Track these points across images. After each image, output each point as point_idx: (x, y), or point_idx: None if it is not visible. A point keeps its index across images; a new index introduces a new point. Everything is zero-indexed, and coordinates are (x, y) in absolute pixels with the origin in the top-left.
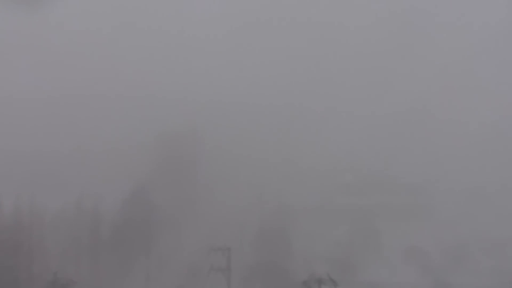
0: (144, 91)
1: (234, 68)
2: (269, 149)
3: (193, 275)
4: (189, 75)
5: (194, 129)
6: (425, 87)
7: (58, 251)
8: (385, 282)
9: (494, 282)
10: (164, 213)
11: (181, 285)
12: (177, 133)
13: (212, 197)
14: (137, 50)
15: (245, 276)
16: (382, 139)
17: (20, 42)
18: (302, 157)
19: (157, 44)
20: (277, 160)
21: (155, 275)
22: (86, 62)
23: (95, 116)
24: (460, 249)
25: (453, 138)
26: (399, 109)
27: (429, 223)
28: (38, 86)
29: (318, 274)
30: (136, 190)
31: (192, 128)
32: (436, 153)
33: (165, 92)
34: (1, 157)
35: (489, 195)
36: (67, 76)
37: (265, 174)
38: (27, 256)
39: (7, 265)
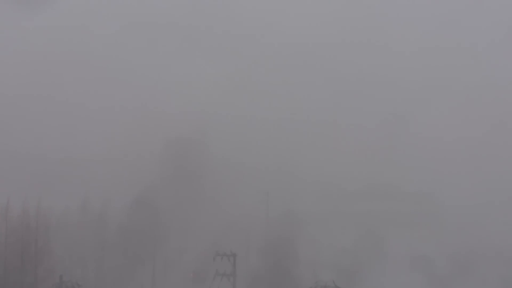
0: (151, 98)
1: (241, 77)
2: (275, 157)
3: (199, 280)
4: (196, 83)
5: (201, 136)
6: (431, 95)
7: (64, 254)
8: None
9: None
10: (170, 218)
11: None
12: (184, 140)
13: (218, 203)
14: (143, 56)
15: (250, 282)
16: (388, 146)
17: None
18: (308, 165)
19: (164, 50)
20: (283, 167)
21: (160, 280)
22: (92, 69)
23: (103, 120)
24: (467, 258)
25: (461, 145)
26: (404, 116)
27: (436, 231)
28: (46, 91)
29: (323, 281)
30: (142, 195)
31: (199, 136)
32: (443, 160)
33: (173, 100)
34: (9, 160)
35: (497, 203)
36: (73, 82)
37: (271, 181)
38: (33, 259)
39: (14, 267)
